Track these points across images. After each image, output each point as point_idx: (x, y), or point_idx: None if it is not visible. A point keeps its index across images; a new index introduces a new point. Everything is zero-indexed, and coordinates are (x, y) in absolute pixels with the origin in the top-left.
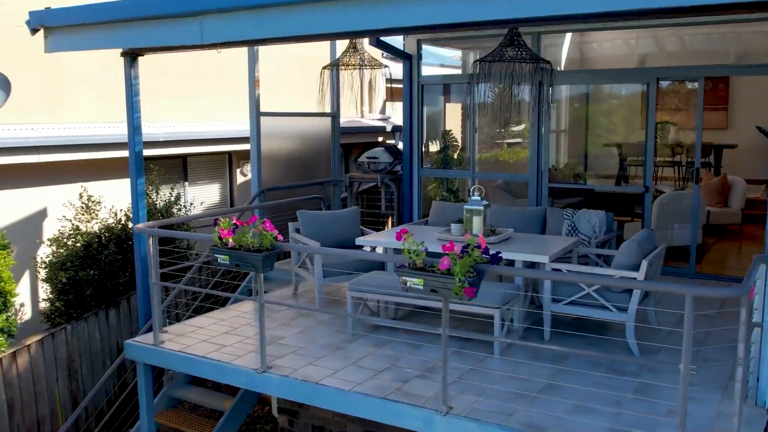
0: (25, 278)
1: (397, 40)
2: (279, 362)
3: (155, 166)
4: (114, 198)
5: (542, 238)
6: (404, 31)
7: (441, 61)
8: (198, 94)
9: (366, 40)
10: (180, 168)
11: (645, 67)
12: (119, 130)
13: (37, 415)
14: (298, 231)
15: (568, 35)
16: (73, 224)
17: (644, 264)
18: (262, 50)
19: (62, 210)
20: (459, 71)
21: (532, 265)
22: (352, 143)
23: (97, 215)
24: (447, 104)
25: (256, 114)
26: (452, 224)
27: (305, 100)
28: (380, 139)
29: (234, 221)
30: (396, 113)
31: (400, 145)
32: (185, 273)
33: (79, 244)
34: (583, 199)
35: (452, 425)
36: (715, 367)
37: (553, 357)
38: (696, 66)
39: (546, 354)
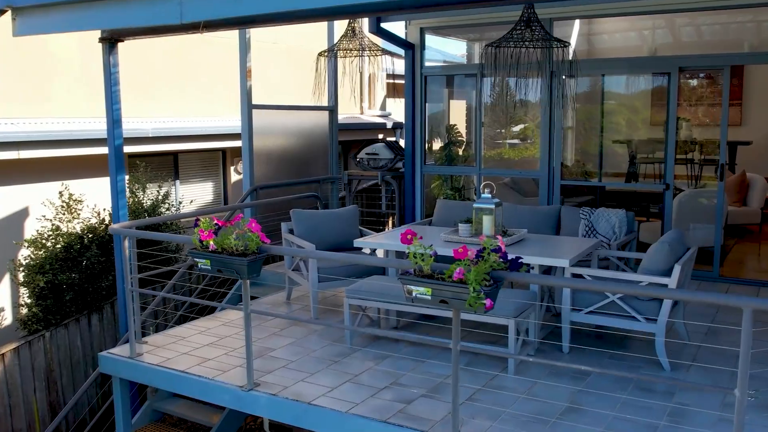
0: (5, 282)
1: (399, 30)
2: (268, 378)
3: (142, 163)
4: (98, 197)
5: (559, 240)
6: (409, 8)
7: (444, 57)
8: (191, 89)
9: (366, 27)
10: (171, 165)
11: (666, 56)
12: (102, 125)
13: (12, 428)
14: (291, 231)
15: (577, 23)
16: (53, 224)
17: (677, 269)
18: (262, 50)
19: (43, 209)
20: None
21: (548, 270)
22: (351, 140)
23: (78, 215)
24: (451, 98)
25: (248, 106)
26: (459, 224)
27: (306, 100)
28: (380, 136)
29: (215, 221)
30: (397, 110)
31: (402, 142)
32: (171, 278)
33: (59, 246)
34: (594, 197)
35: None
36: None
37: (573, 373)
38: (721, 54)
39: (565, 370)
